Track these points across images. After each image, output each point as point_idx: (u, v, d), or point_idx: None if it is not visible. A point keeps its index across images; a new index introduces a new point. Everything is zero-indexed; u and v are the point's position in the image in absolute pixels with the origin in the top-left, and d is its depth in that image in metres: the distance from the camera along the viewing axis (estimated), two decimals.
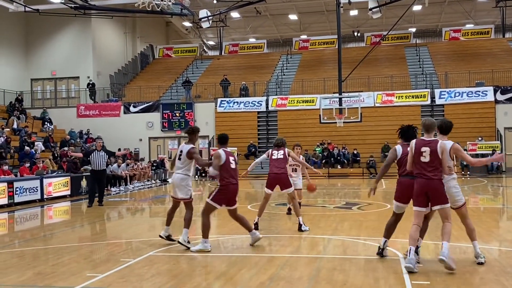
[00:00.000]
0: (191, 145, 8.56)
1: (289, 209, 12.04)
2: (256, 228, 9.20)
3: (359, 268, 6.80)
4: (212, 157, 8.62)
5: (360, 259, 7.38)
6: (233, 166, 8.34)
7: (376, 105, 29.92)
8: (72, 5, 22.72)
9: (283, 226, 10.87)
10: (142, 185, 23.70)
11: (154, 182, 25.75)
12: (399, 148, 7.43)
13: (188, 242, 8.18)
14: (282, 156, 9.90)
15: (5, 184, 15.69)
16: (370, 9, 27.22)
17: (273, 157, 9.97)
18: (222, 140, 8.47)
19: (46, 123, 30.16)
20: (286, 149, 10.04)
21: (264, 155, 10.34)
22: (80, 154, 18.42)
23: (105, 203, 15.82)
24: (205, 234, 8.07)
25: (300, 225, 9.70)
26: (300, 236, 9.31)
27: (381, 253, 7.33)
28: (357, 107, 25.05)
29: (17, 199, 15.99)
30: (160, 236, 8.71)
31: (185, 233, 8.22)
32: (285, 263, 7.13)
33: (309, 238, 9.07)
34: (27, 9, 23.47)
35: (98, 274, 6.57)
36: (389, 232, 7.36)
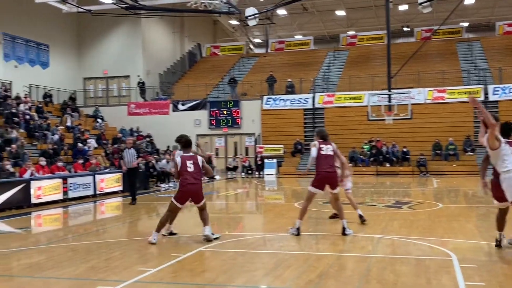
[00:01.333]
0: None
1: (335, 214, 10.59)
2: (298, 234, 9.01)
3: (410, 268, 6.67)
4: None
5: (411, 259, 7.24)
6: (190, 169, 8.54)
7: (427, 101, 29.19)
8: (123, 5, 23.25)
9: (331, 225, 10.78)
10: None
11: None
12: None
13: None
14: (331, 152, 9.03)
15: (60, 180, 16.26)
16: (420, 4, 26.58)
17: (322, 152, 8.95)
18: (186, 144, 8.76)
19: (98, 120, 31.04)
20: (332, 143, 9.22)
21: (315, 149, 9.01)
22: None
23: (154, 198, 16.12)
24: (159, 229, 8.58)
25: (344, 229, 9.03)
26: (349, 235, 9.21)
27: (499, 244, 7.53)
28: (407, 104, 24.54)
29: (71, 194, 16.54)
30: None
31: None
32: (334, 261, 7.08)
33: (358, 237, 8.96)
34: (79, 10, 24.19)
35: (150, 269, 6.71)
36: (500, 225, 7.50)
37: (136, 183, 15.91)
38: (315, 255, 7.58)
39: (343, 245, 8.32)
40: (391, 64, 25.19)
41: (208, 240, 8.46)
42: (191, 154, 8.76)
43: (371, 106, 25.25)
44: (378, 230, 9.68)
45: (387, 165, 27.66)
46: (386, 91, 25.47)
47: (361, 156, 28.07)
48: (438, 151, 27.28)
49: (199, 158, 8.69)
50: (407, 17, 41.77)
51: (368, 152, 28.28)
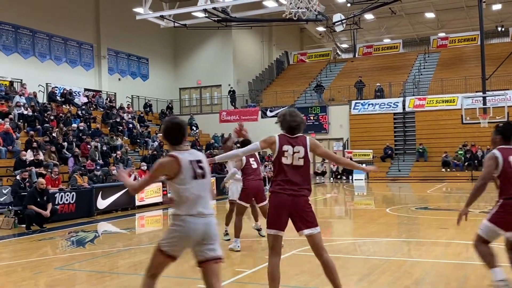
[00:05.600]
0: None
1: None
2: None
3: (510, 276, 6.26)
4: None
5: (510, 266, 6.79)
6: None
7: None
8: (215, 18, 23.92)
9: (425, 231, 10.39)
10: None
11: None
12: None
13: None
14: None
15: (160, 184, 16.99)
16: None
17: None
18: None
19: (192, 128, 32.14)
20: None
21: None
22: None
23: None
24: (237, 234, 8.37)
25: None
26: (445, 241, 8.82)
27: None
28: (503, 106, 23.11)
29: None
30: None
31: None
32: (430, 268, 6.82)
33: (454, 243, 8.57)
34: (176, 24, 25.18)
35: (246, 270, 6.83)
36: None
37: None
38: (410, 261, 7.34)
39: (438, 252, 7.99)
40: (485, 65, 23.87)
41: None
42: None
43: (465, 109, 24.05)
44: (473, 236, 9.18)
45: (483, 169, 26.16)
46: (481, 93, 24.15)
47: (455, 161, 26.80)
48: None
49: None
50: (502, 17, 39.42)
51: (462, 157, 26.96)
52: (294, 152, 4.83)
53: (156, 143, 24.63)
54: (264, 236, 9.48)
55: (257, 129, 32.09)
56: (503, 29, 39.48)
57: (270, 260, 4.90)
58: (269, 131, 25.99)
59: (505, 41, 37.72)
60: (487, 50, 25.66)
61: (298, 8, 14.07)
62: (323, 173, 29.56)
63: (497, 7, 36.39)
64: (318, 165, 30.84)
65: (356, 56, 40.78)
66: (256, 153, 8.60)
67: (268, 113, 32.88)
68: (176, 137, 4.13)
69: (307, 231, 4.81)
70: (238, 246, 8.31)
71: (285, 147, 4.85)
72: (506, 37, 38.30)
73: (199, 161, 4.10)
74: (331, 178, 29.02)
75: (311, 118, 31.75)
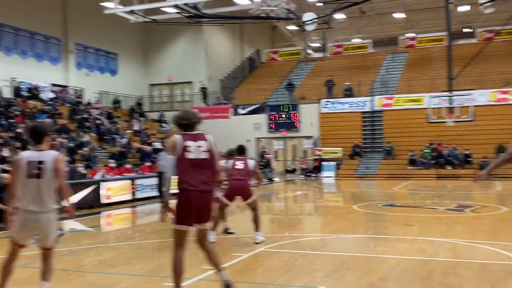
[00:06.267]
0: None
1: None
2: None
3: (474, 272, 6.41)
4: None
5: (475, 263, 6.96)
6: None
7: (490, 103, 28.02)
8: (186, 14, 23.71)
9: (392, 228, 10.55)
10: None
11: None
12: None
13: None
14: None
15: (129, 181, 16.81)
16: (482, 4, 25.54)
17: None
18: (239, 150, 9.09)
19: (163, 125, 31.85)
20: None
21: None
22: (149, 148, 18.85)
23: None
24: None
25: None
26: (410, 238, 8.97)
27: None
28: (469, 106, 23.67)
29: (138, 195, 17.04)
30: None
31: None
32: (396, 264, 6.91)
33: (420, 240, 8.72)
34: (145, 19, 24.85)
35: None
36: None
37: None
38: (376, 258, 7.44)
39: (404, 248, 8.11)
40: (452, 66, 24.37)
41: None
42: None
43: (432, 108, 24.53)
44: (439, 233, 9.38)
45: (449, 168, 26.75)
46: (447, 93, 24.66)
47: (421, 159, 27.30)
48: (501, 154, 26.10)
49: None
50: (468, 18, 40.27)
51: (428, 155, 27.50)
52: (197, 146, 5.04)
53: (125, 140, 24.29)
54: (233, 233, 9.48)
55: (229, 126, 32.15)
56: (469, 30, 40.35)
57: (175, 253, 5.04)
58: (241, 129, 26.38)
59: (471, 42, 38.55)
60: (454, 50, 26.20)
61: (267, 5, 14.10)
62: (293, 171, 29.74)
63: (464, 8, 37.17)
64: (289, 162, 31.02)
65: (327, 55, 41.08)
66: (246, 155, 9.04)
67: (240, 111, 32.84)
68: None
69: (201, 226, 5.12)
70: (213, 237, 8.37)
71: (188, 143, 5.04)
72: (473, 38, 39.13)
73: (40, 162, 4.86)
74: (301, 176, 29.20)
75: (283, 116, 31.86)
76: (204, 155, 5.04)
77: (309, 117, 31.41)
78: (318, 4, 32.24)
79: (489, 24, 38.38)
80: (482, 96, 27.80)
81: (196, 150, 5.01)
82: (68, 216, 5.33)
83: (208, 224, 5.19)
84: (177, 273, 5.04)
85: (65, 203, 5.11)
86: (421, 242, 8.56)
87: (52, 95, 26.20)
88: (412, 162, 27.38)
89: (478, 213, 12.42)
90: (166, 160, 5.20)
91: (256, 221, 8.65)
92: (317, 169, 29.02)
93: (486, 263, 6.93)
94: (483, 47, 26.33)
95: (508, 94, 28.11)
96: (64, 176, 5.12)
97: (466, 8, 36.88)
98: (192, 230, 5.07)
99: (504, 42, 36.00)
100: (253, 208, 8.74)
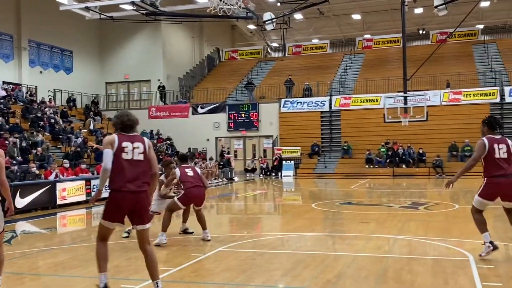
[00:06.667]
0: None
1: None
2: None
3: (427, 268, 6.61)
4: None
5: (428, 259, 7.17)
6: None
7: (443, 103, 28.93)
8: (144, 12, 23.44)
9: (348, 226, 10.74)
10: (209, 183, 24.08)
11: (221, 180, 26.15)
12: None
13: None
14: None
15: (83, 181, 16.45)
16: (436, 7, 26.29)
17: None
18: (183, 158, 9.09)
19: None
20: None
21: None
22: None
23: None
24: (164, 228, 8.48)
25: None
26: (366, 235, 9.16)
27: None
28: (423, 106, 24.32)
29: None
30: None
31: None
32: (352, 261, 7.05)
33: (375, 237, 8.91)
34: (101, 16, 24.41)
35: (171, 268, 6.76)
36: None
37: None
38: (333, 255, 7.56)
39: (360, 246, 8.27)
40: (407, 67, 24.98)
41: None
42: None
43: (387, 108, 25.07)
44: (394, 230, 9.62)
45: (403, 166, 27.45)
46: (402, 94, 25.28)
47: (377, 158, 27.91)
48: (454, 153, 26.98)
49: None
50: (423, 20, 41.41)
51: (384, 154, 28.12)
52: (133, 148, 5.05)
53: (80, 139, 23.78)
54: (192, 232, 9.45)
55: (188, 125, 31.97)
56: (424, 32, 41.51)
57: (97, 246, 5.23)
58: (200, 128, 26.29)
59: (426, 43, 39.67)
60: (409, 52, 26.88)
61: (225, 4, 14.09)
62: (253, 170, 29.84)
63: (419, 10, 38.20)
64: (249, 162, 31.09)
65: (286, 55, 41.39)
66: (193, 163, 9.38)
67: (199, 110, 32.68)
68: None
69: (140, 227, 5.17)
70: (165, 239, 8.45)
71: (125, 144, 5.04)
72: (427, 40, 40.28)
73: None
74: (261, 175, 29.33)
75: (242, 115, 31.91)
76: (140, 157, 5.07)
77: (268, 116, 31.59)
78: (277, 4, 32.42)
79: (442, 26, 39.62)
80: (436, 97, 28.68)
81: (132, 151, 5.04)
82: (8, 214, 5.31)
83: (148, 226, 5.19)
84: (100, 259, 5.21)
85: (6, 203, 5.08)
86: (376, 239, 8.75)
87: (3, 93, 25.38)
88: (369, 161, 27.95)
89: (431, 211, 12.79)
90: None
91: (202, 220, 8.84)
92: (277, 168, 29.22)
93: (438, 259, 7.15)
94: (437, 49, 27.08)
95: (460, 95, 29.07)
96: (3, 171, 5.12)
97: (420, 10, 37.89)
98: (114, 228, 5.21)
99: (457, 43, 37.22)
100: (199, 210, 8.92)
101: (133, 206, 5.04)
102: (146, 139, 5.22)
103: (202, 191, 8.88)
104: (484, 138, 6.78)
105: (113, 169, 5.00)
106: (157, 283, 5.15)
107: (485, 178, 6.83)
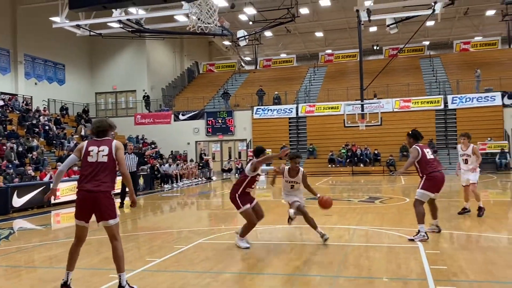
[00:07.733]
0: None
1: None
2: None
3: (382, 255, 6.69)
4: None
5: (383, 247, 7.27)
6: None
7: (395, 110, 29.43)
8: (130, 29, 23.16)
9: (313, 218, 10.78)
10: (190, 183, 23.96)
11: (200, 179, 26.00)
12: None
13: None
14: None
15: (76, 182, 16.12)
16: (388, 26, 26.78)
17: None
18: (258, 152, 8.15)
19: None
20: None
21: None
22: None
23: (159, 198, 16.01)
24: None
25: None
26: (329, 226, 9.23)
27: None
28: (377, 112, 24.68)
29: None
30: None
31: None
32: (317, 250, 7.09)
33: (337, 228, 8.99)
34: (91, 33, 24.04)
35: (156, 259, 6.69)
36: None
37: (135, 186, 15.02)
38: (300, 245, 7.60)
39: None
40: (363, 78, 25.33)
41: None
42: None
43: (347, 114, 25.36)
44: (354, 222, 9.72)
45: (361, 165, 27.79)
46: (359, 102, 25.61)
47: (339, 158, 28.18)
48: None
49: None
50: (377, 37, 42.10)
51: (344, 155, 28.43)
52: (98, 151, 5.02)
53: (72, 144, 23.35)
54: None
55: (170, 131, 31.74)
56: (378, 48, 42.16)
57: (73, 243, 5.17)
58: (181, 133, 26.10)
59: (379, 58, 40.29)
60: (365, 65, 27.27)
61: (203, 22, 14.07)
62: (229, 170, 29.74)
63: (373, 29, 38.81)
64: (225, 163, 31.00)
65: (258, 68, 41.49)
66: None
67: (180, 117, 32.50)
68: None
69: (102, 223, 5.04)
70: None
71: (91, 148, 5.05)
72: (381, 55, 40.94)
73: None
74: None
75: (219, 121, 31.82)
76: (104, 159, 5.00)
77: (242, 122, 31.59)
78: (249, 22, 32.49)
79: (394, 43, 40.32)
80: (388, 104, 29.14)
81: (97, 154, 5.00)
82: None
83: (111, 222, 5.01)
84: (69, 258, 5.16)
85: None
86: (338, 230, 8.83)
87: (1, 102, 24.75)
88: (331, 161, 28.21)
89: (385, 204, 12.97)
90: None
91: None
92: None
93: (392, 246, 7.25)
94: (389, 62, 27.55)
95: (409, 102, 29.60)
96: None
97: (374, 29, 38.50)
98: (88, 226, 5.10)
99: (407, 58, 37.91)
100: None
101: (92, 204, 4.94)
102: (114, 143, 5.10)
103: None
104: (416, 146, 7.63)
105: (80, 172, 5.11)
106: (120, 276, 5.05)
107: (424, 175, 7.58)
